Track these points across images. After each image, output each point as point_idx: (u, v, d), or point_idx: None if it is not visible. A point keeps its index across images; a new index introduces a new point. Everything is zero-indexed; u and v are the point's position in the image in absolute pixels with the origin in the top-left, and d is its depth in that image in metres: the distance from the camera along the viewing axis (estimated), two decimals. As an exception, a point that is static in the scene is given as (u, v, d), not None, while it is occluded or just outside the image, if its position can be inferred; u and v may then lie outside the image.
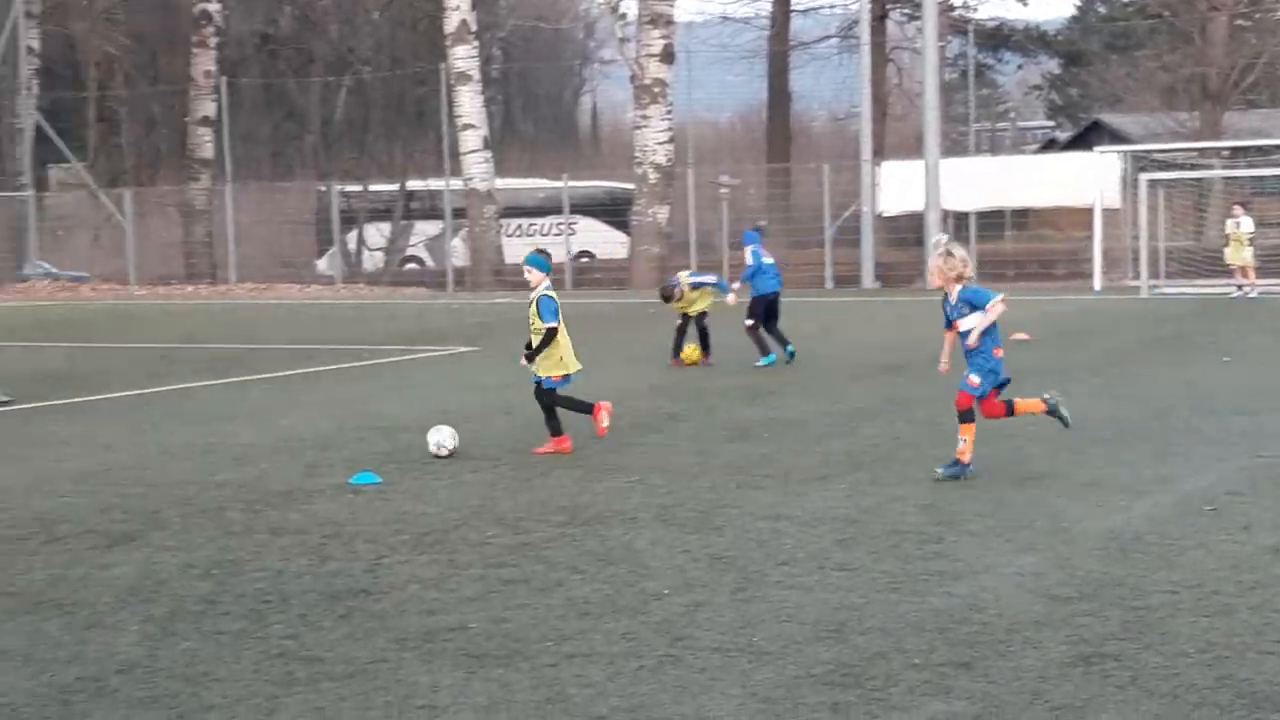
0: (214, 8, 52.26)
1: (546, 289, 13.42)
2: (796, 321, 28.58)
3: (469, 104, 45.34)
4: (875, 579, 8.61)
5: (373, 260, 53.05)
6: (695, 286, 20.38)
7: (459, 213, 46.35)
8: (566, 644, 7.49)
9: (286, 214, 51.82)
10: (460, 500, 11.24)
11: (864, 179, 42.39)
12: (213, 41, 52.41)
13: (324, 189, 51.12)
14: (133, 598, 8.62)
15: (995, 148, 70.32)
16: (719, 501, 11.00)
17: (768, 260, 20.53)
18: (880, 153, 46.79)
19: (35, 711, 6.71)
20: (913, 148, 49.81)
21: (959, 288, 11.71)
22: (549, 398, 13.49)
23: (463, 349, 23.79)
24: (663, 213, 43.57)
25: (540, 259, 13.61)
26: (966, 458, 11.64)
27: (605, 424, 13.73)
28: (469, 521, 10.49)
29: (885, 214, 42.62)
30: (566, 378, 13.52)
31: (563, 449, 13.30)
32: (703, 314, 20.23)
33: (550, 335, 13.29)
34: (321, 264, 49.62)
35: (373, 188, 53.96)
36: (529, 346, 13.50)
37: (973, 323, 11.61)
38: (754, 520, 10.30)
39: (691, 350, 20.19)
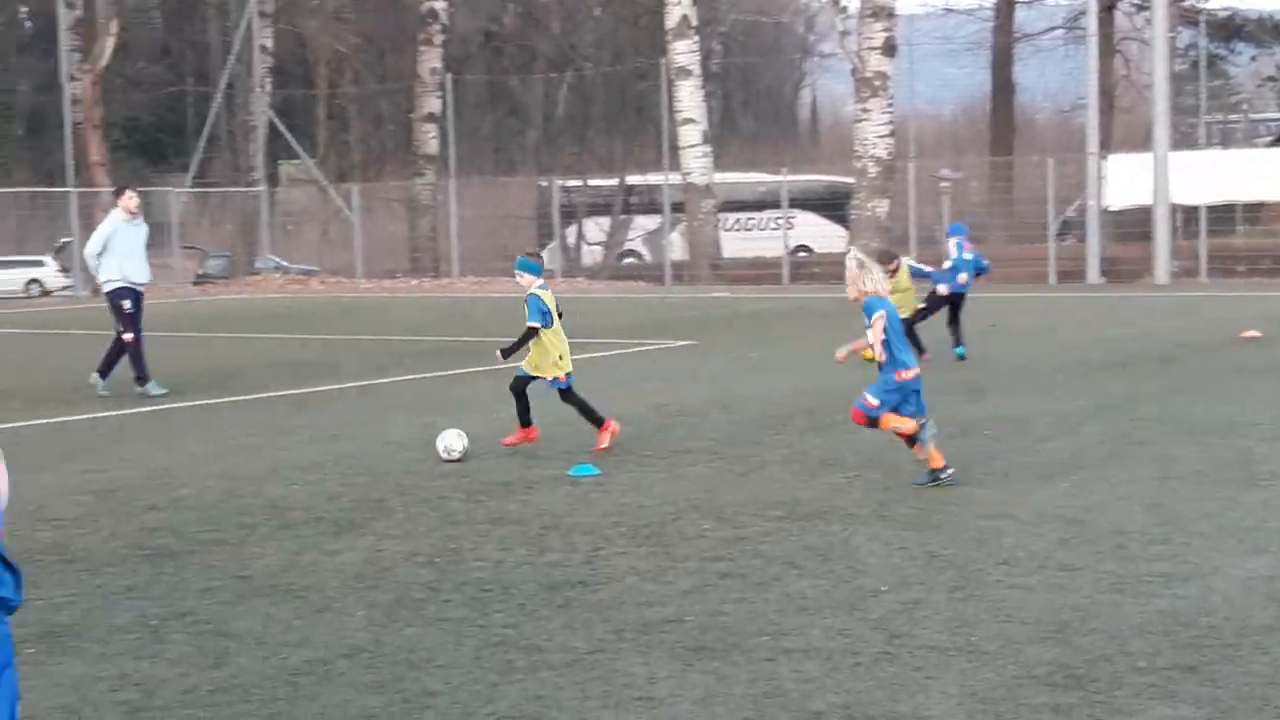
0: (440, 6, 53.17)
1: (539, 288, 13.28)
2: (1019, 317, 28.17)
3: (689, 99, 45.49)
4: (1099, 579, 8.45)
5: (591, 255, 53.52)
6: (914, 274, 20.20)
7: (677, 207, 46.54)
8: (783, 639, 7.48)
9: (508, 209, 52.54)
10: (677, 493, 11.29)
11: (1090, 172, 41.61)
12: (439, 39, 53.32)
13: (544, 184, 51.73)
14: (359, 584, 8.82)
15: (1226, 140, 68.43)
16: (938, 499, 10.89)
17: (968, 256, 20.35)
18: (1107, 146, 45.86)
19: (265, 693, 6.91)
20: (1140, 141, 48.76)
21: (866, 299, 11.40)
22: (569, 397, 13.46)
23: (680, 343, 23.88)
24: (883, 207, 43.25)
25: (529, 262, 13.52)
26: (937, 463, 11.30)
27: (606, 444, 13.27)
28: (685, 515, 10.53)
29: (1111, 208, 41.78)
30: (570, 376, 13.45)
31: (530, 438, 13.43)
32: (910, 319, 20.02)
33: (529, 334, 13.20)
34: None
35: (592, 182, 54.43)
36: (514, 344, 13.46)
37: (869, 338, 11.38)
38: (974, 518, 10.18)
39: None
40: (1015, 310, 30.17)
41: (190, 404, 17.52)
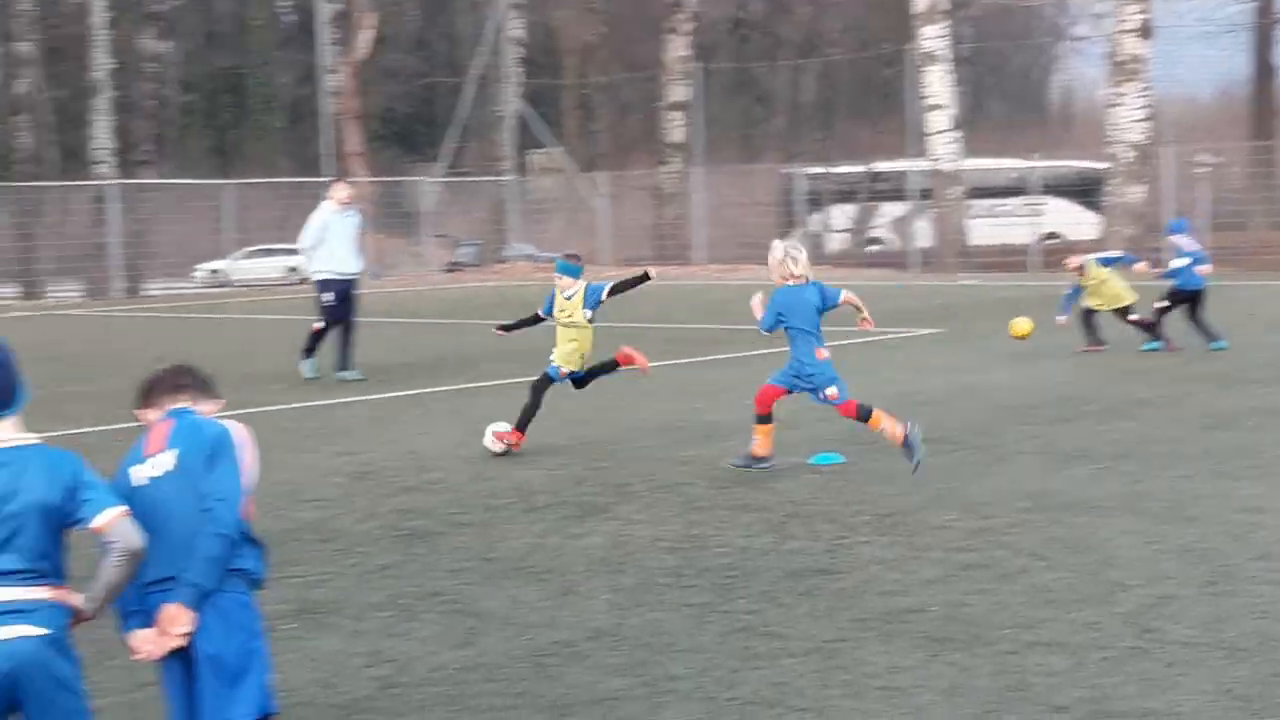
0: (687, -5, 53.34)
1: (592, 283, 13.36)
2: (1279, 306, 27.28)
3: (937, 84, 44.94)
4: (1361, 578, 8.17)
5: (836, 242, 53.23)
6: (1106, 263, 19.79)
7: (924, 193, 46.04)
8: (1029, 632, 7.38)
9: (753, 196, 52.53)
10: (921, 483, 11.19)
11: (1356, 156, 40.07)
12: (686, 27, 53.50)
13: (789, 171, 51.59)
14: (603, 567, 8.92)
15: None
16: (1193, 492, 10.61)
17: (1193, 248, 19.86)
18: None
19: (512, 672, 7.04)
20: None
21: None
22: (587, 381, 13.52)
23: (927, 331, 23.64)
24: (1138, 193, 42.22)
25: (567, 265, 13.39)
26: (760, 451, 11.81)
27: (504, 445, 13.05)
28: (929, 505, 10.44)
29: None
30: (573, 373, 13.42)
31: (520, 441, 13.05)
32: (1127, 308, 19.56)
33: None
34: (786, 246, 50.04)
35: (838, 169, 54.14)
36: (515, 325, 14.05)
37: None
38: (1230, 512, 9.90)
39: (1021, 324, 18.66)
40: (1275, 298, 29.22)
41: (441, 389, 17.86)
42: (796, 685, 6.72)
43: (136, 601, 4.99)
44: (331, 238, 18.85)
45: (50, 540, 4.69)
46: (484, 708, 6.54)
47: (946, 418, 14.41)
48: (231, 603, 5.05)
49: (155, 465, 5.05)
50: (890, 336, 23.05)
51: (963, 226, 45.18)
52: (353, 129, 48.94)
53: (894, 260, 46.92)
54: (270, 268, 49.30)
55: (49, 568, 4.69)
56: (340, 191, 19.32)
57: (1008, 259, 43.85)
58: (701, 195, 48.48)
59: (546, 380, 13.27)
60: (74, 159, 53.91)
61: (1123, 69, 42.26)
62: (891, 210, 52.04)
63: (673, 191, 52.33)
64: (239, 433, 5.22)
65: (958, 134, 45.32)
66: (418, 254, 50.38)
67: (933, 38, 44.91)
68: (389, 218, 49.96)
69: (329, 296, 18.81)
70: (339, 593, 8.52)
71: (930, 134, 44.96)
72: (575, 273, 13.33)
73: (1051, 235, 48.64)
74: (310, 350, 18.89)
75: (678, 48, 53.06)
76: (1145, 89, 42.74)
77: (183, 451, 5.05)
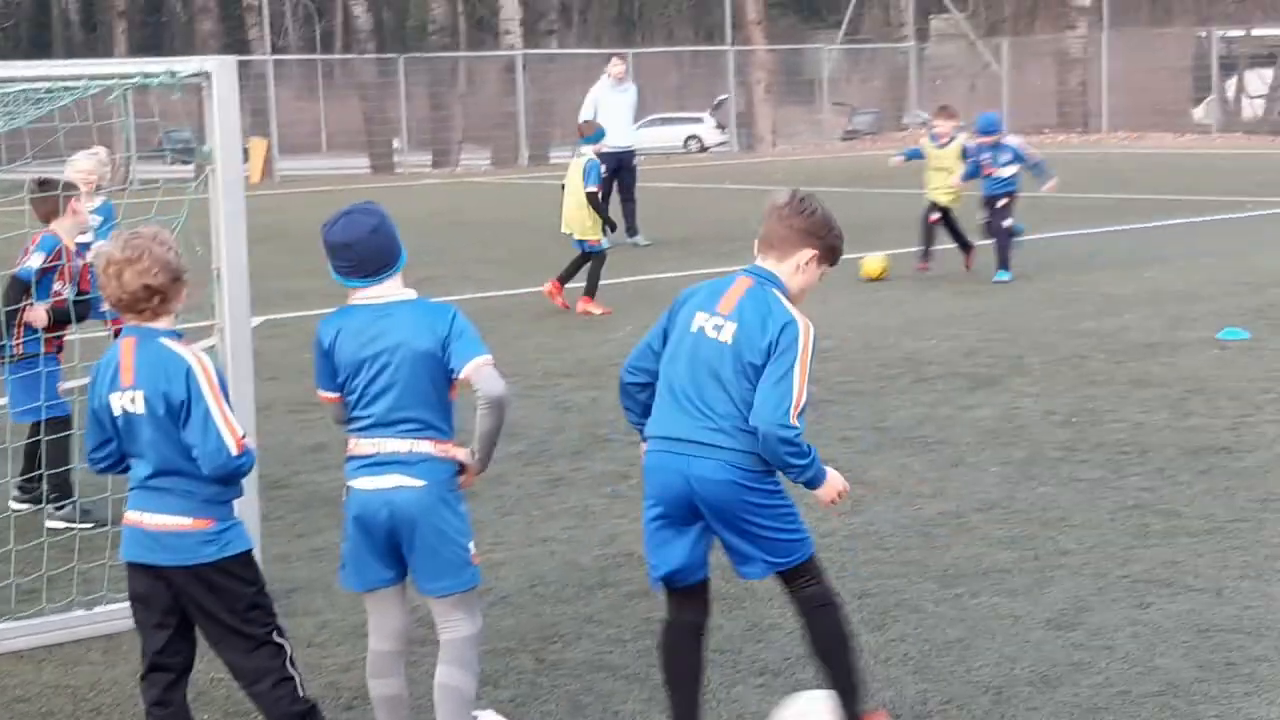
0: None
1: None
2: None
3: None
4: None
5: (1253, 108, 50.75)
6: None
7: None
8: None
9: (1164, 61, 50.46)
10: (1335, 361, 10.71)
11: None
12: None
13: (1203, 34, 49.33)
14: (994, 440, 8.86)
15: None
16: None
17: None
18: None
19: (899, 541, 7.09)
20: None
21: None
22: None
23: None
24: None
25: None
26: None
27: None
28: (1343, 384, 9.99)
29: None
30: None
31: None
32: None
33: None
34: (1198, 112, 48.03)
35: (1256, 32, 51.48)
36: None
37: None
38: None
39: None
40: None
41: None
42: (1193, 565, 6.58)
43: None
44: (604, 111, 19.61)
45: (433, 392, 4.81)
46: (870, 575, 6.61)
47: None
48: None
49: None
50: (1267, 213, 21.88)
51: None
52: (751, -2, 48.83)
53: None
54: (671, 136, 49.91)
55: (433, 420, 4.82)
56: (616, 68, 20.60)
57: None
58: (1107, 61, 46.83)
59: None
60: (483, 29, 55.42)
61: None
62: (1314, 75, 49.28)
63: (1077, 56, 50.68)
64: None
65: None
66: (816, 122, 50.19)
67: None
68: (788, 86, 49.86)
69: (604, 168, 19.30)
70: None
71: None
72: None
73: None
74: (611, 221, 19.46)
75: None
76: None
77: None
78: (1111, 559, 6.71)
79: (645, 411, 4.93)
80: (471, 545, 4.89)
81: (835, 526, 7.26)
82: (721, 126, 48.33)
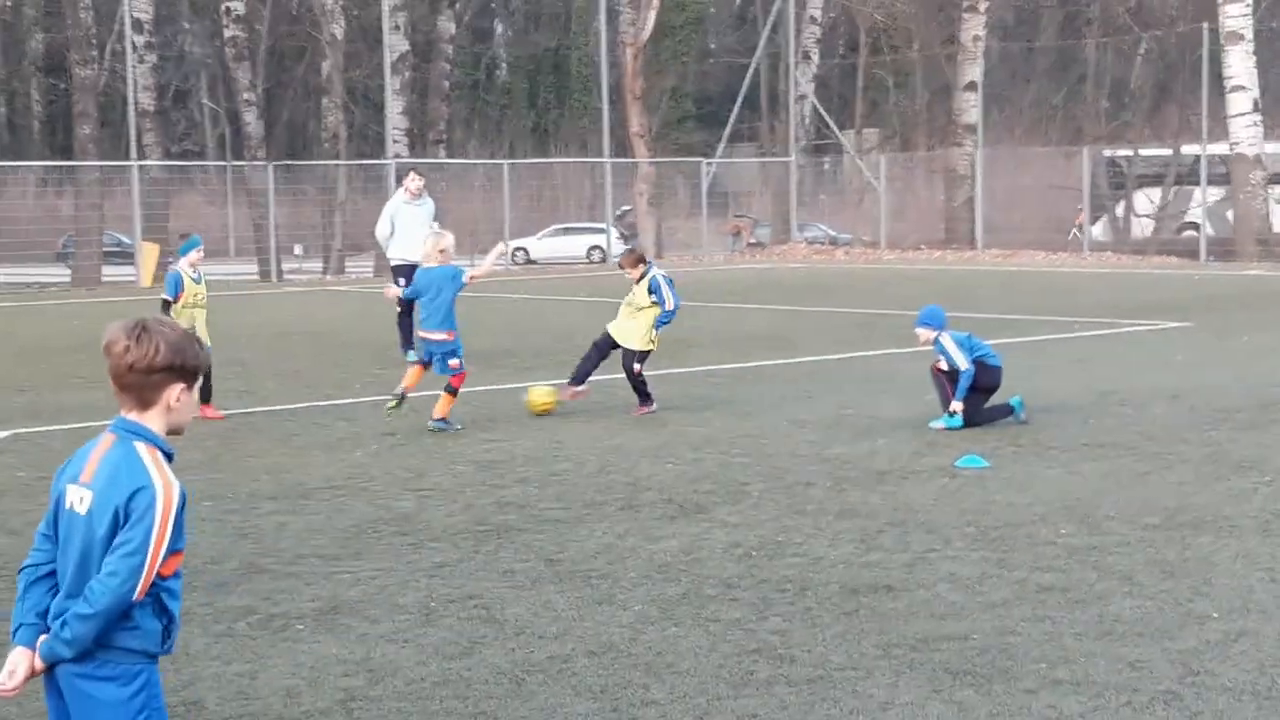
0: (986, -28, 51.81)
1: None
2: None
3: (1239, 64, 42.76)
4: None
5: (1141, 228, 51.08)
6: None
7: (1219, 179, 43.89)
8: (1061, 667, 6.75)
9: (1050, 179, 50.81)
10: (1057, 493, 10.42)
11: None
12: (983, 6, 52.03)
13: (1090, 154, 49.76)
14: (658, 575, 8.46)
15: None
16: (1347, 514, 9.64)
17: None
18: None
19: (482, 689, 6.67)
20: None
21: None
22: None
23: (1172, 324, 22.29)
24: None
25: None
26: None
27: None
28: (1049, 517, 9.68)
29: None
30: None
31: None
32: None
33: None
34: (1095, 230, 48.24)
35: (1144, 152, 51.98)
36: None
37: None
38: (1374, 539, 8.94)
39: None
40: None
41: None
42: (791, 716, 6.20)
43: None
44: (401, 226, 19.56)
45: None
46: (433, 726, 6.19)
47: (1134, 419, 13.52)
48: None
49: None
50: (1131, 329, 21.92)
51: (1264, 214, 42.90)
52: (636, 109, 48.88)
53: (1185, 249, 44.80)
54: (573, 246, 50.26)
55: None
56: (414, 183, 20.18)
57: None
58: (983, 179, 47.16)
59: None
60: (364, 139, 55.38)
61: None
62: (1196, 195, 49.75)
63: (964, 174, 50.97)
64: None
65: (1259, 116, 43.07)
66: (697, 232, 50.17)
67: (1236, 16, 42.74)
68: (672, 198, 49.94)
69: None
70: (375, 591, 8.25)
71: (1230, 116, 42.80)
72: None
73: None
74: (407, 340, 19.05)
75: (974, 27, 51.63)
76: None
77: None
78: (691, 711, 6.31)
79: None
80: None
81: (429, 674, 6.83)
82: (624, 236, 48.32)
